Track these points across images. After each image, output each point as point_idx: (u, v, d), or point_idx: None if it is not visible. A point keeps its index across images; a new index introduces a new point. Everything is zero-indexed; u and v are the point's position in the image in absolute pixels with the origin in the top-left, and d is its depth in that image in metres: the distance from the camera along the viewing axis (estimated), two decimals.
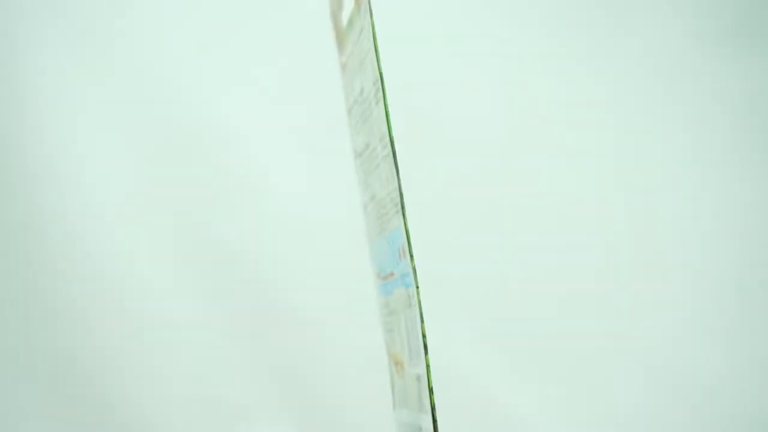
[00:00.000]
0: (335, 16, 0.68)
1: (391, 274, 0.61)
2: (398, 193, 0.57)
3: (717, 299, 0.74)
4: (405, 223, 0.56)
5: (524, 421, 0.68)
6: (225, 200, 0.89)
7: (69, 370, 0.90)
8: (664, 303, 0.77)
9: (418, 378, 0.58)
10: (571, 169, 0.78)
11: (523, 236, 0.79)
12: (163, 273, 0.91)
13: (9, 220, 0.89)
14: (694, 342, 0.76)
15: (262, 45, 0.84)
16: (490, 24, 0.81)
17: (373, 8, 0.57)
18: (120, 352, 0.91)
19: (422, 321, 0.56)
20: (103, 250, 0.90)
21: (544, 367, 0.68)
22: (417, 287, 0.56)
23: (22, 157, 0.88)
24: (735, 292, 0.74)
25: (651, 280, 0.77)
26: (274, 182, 0.87)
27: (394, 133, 0.57)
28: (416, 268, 0.56)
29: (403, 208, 0.56)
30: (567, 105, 0.77)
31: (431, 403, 0.56)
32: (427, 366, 0.56)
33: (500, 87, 0.79)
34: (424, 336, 0.56)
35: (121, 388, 0.90)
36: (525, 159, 0.80)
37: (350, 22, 0.63)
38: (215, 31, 0.91)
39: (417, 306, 0.56)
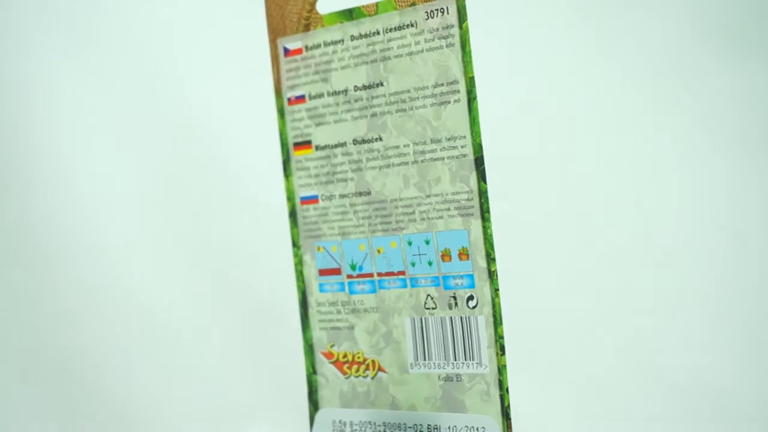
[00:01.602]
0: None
1: (398, 273, 0.63)
2: (475, 196, 0.60)
3: (725, 301, 0.79)
4: (487, 227, 0.59)
5: (529, 421, 0.71)
6: (227, 199, 0.88)
7: (68, 371, 0.89)
8: (670, 304, 0.81)
9: (454, 378, 0.61)
10: (571, 169, 0.81)
11: (521, 235, 0.80)
12: (163, 272, 0.89)
13: (8, 219, 0.88)
14: (702, 344, 0.81)
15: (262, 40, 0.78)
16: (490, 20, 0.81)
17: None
18: (120, 353, 0.89)
19: (501, 323, 0.59)
20: (104, 250, 0.89)
21: (549, 368, 0.71)
22: (497, 289, 0.59)
23: (21, 157, 0.87)
24: (742, 292, 0.79)
25: (657, 281, 0.81)
26: (275, 181, 0.82)
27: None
28: (478, 272, 0.59)
29: (485, 212, 0.59)
30: (566, 105, 0.80)
31: (507, 403, 0.59)
32: (504, 367, 0.60)
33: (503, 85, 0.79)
34: (501, 337, 0.59)
35: (120, 389, 0.88)
36: (524, 159, 0.81)
37: (358, 12, 0.63)
38: (216, 29, 0.88)
39: (490, 307, 0.60)
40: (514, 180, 0.74)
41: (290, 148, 0.65)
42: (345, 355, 0.64)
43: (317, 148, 0.64)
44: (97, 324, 0.89)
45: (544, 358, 0.76)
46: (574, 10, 0.75)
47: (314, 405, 0.66)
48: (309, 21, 0.64)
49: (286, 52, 0.65)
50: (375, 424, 0.63)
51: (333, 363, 0.65)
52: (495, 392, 0.58)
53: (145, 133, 0.88)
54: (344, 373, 0.65)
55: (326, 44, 0.63)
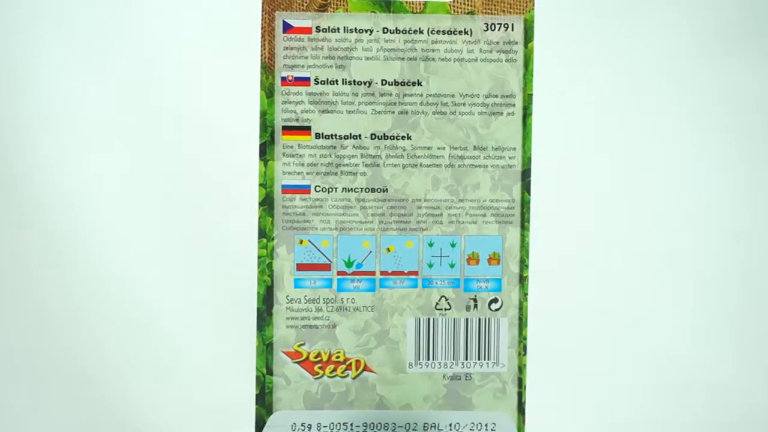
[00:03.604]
0: None
1: (409, 272, 0.68)
2: (517, 206, 0.69)
3: (722, 299, 0.80)
4: (525, 235, 0.69)
5: (544, 417, 0.72)
6: (226, 198, 0.86)
7: (67, 371, 0.88)
8: (667, 302, 0.80)
9: (462, 377, 0.69)
10: (572, 168, 0.78)
11: (554, 246, 0.76)
12: (163, 271, 0.88)
13: (7, 219, 0.88)
14: (699, 342, 0.80)
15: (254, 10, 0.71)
16: None
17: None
18: (119, 353, 0.88)
19: (525, 325, 0.70)
20: (104, 250, 0.88)
21: (544, 368, 0.73)
22: (526, 293, 0.70)
23: (21, 156, 0.88)
24: (739, 291, 0.80)
25: (654, 280, 0.80)
26: (250, 165, 0.73)
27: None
28: (508, 277, 0.69)
29: (525, 221, 0.69)
30: (568, 103, 0.78)
31: (524, 399, 0.70)
32: (524, 366, 0.70)
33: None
34: (525, 338, 0.70)
35: (120, 389, 0.87)
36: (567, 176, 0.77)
37: (398, 6, 0.66)
38: (215, 28, 0.85)
39: (516, 310, 0.69)
40: (555, 194, 0.77)
41: (276, 130, 0.63)
42: (318, 355, 0.64)
43: (318, 136, 0.63)
44: (81, 321, 0.88)
45: (563, 359, 0.79)
46: (637, 41, 0.80)
47: (267, 408, 0.64)
48: (328, 1, 0.63)
49: (287, 27, 0.63)
50: (352, 425, 0.64)
51: (299, 363, 0.64)
52: (512, 390, 0.65)
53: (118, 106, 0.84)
54: (314, 374, 0.64)
55: (348, 30, 0.63)
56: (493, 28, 0.61)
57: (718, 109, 0.84)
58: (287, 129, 0.60)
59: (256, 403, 0.62)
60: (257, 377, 0.61)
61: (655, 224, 0.85)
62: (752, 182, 0.85)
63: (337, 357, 0.62)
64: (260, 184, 0.61)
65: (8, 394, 0.87)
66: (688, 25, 0.83)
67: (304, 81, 0.60)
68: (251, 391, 0.62)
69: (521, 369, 0.62)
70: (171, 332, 0.86)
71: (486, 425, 0.62)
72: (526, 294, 0.62)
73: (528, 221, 0.62)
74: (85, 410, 0.86)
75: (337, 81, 0.60)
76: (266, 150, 0.60)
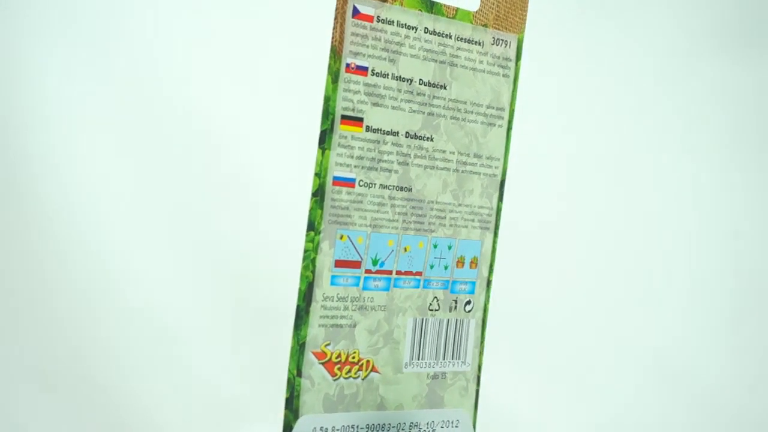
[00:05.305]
0: None
1: (416, 273, 0.74)
2: (494, 213, 0.77)
3: (717, 299, 0.76)
4: (495, 242, 0.78)
5: (524, 422, 0.70)
6: (225, 198, 0.88)
7: (68, 370, 0.88)
8: (664, 303, 0.74)
9: (439, 376, 0.76)
10: (570, 168, 0.73)
11: (521, 234, 0.69)
12: (163, 272, 0.89)
13: (9, 219, 0.89)
14: (694, 342, 0.75)
15: (260, 42, 0.85)
16: None
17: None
18: (120, 353, 0.88)
19: (485, 327, 0.78)
20: (104, 249, 0.89)
21: (543, 368, 0.71)
22: (488, 296, 0.78)
23: (21, 157, 0.88)
24: (735, 291, 0.76)
25: (651, 279, 0.73)
26: (273, 180, 0.86)
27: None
28: (480, 280, 0.77)
29: (497, 228, 0.78)
30: (566, 102, 0.73)
31: (478, 397, 0.78)
32: (481, 365, 0.78)
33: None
34: (484, 338, 0.78)
35: (121, 389, 0.88)
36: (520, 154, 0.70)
37: (438, 9, 0.71)
38: (214, 28, 0.89)
39: (482, 312, 0.78)
40: (521, 204, 0.77)
41: (336, 118, 0.65)
42: (338, 355, 0.66)
43: (368, 129, 0.66)
44: (96, 324, 0.86)
45: (520, 358, 0.78)
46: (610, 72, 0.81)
47: (294, 412, 0.65)
48: None
49: (356, 13, 0.65)
50: (358, 427, 0.68)
51: (323, 364, 0.65)
52: (473, 388, 0.73)
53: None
54: (333, 375, 0.66)
55: (400, 25, 0.66)
56: (498, 43, 0.65)
57: (714, 111, 0.93)
58: (344, 118, 0.59)
59: (286, 408, 0.59)
60: (288, 380, 0.59)
61: (652, 226, 0.91)
62: (751, 182, 0.94)
63: (353, 357, 0.62)
64: (316, 174, 0.59)
65: (19, 394, 0.84)
66: (682, 29, 0.91)
67: (363, 70, 0.60)
68: (278, 393, 0.62)
69: (480, 368, 0.67)
70: (186, 331, 0.78)
71: (452, 422, 0.66)
72: (489, 297, 0.67)
73: (498, 228, 0.67)
74: (92, 410, 0.83)
75: (388, 75, 0.61)
76: (325, 138, 0.59)
